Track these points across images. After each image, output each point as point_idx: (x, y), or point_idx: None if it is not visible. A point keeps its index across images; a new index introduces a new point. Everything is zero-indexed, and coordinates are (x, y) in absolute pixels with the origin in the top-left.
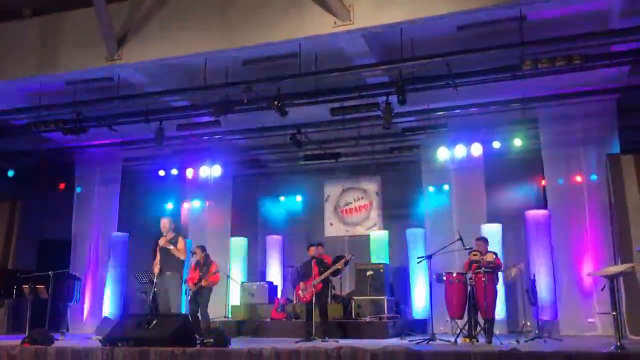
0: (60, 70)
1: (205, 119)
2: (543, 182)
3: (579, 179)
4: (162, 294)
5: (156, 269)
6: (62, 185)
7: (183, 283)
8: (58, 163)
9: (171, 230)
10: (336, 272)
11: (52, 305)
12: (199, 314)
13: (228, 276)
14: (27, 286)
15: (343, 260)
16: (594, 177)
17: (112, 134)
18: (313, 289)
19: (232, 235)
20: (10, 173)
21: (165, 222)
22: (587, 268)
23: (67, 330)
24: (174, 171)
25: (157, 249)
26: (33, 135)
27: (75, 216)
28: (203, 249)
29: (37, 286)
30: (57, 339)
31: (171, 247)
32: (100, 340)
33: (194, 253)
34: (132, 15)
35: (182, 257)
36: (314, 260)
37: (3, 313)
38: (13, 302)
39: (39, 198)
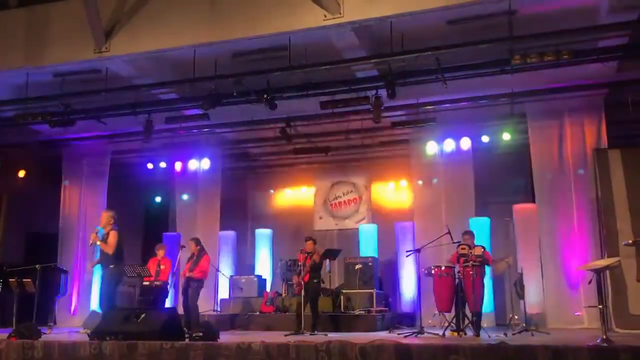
0: (47, 62)
1: (194, 111)
2: (531, 176)
3: (566, 173)
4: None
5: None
6: (49, 178)
7: (119, 276)
8: (45, 155)
9: (110, 224)
10: (317, 265)
11: (40, 298)
12: (189, 308)
13: (217, 270)
14: (14, 280)
15: (316, 254)
16: (581, 171)
17: (100, 126)
18: (302, 282)
19: (221, 228)
20: None
21: (103, 215)
22: (574, 262)
23: (55, 323)
24: (163, 164)
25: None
26: (20, 128)
27: (63, 209)
28: (197, 242)
29: (24, 280)
30: (44, 333)
31: (99, 242)
32: (88, 334)
33: (183, 247)
34: (120, 7)
35: (109, 252)
36: (307, 254)
37: None
38: None
39: (26, 191)
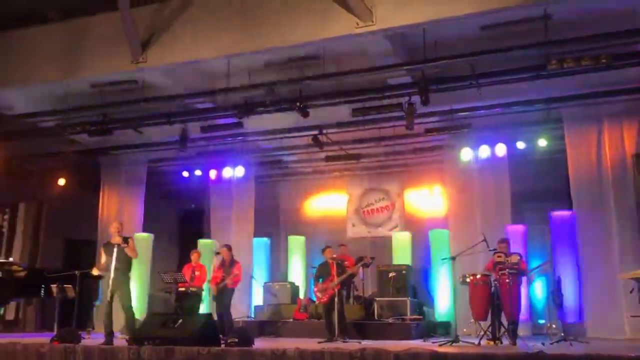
0: (86, 73)
1: (228, 120)
2: (568, 183)
3: (605, 179)
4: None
5: (101, 268)
6: (88, 186)
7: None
8: (84, 164)
9: (120, 233)
10: (352, 276)
11: (79, 303)
12: (222, 314)
13: (251, 276)
14: (55, 285)
15: (360, 264)
16: (620, 177)
17: (137, 135)
18: (331, 291)
19: (255, 235)
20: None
21: (117, 225)
22: (614, 270)
23: (93, 328)
24: (198, 172)
25: (103, 249)
26: (60, 137)
27: (101, 216)
28: (229, 248)
29: (66, 285)
30: (83, 338)
31: (125, 245)
32: (126, 339)
33: (217, 253)
34: (156, 19)
35: (133, 256)
36: (332, 261)
37: (32, 311)
38: (41, 301)
39: (65, 199)
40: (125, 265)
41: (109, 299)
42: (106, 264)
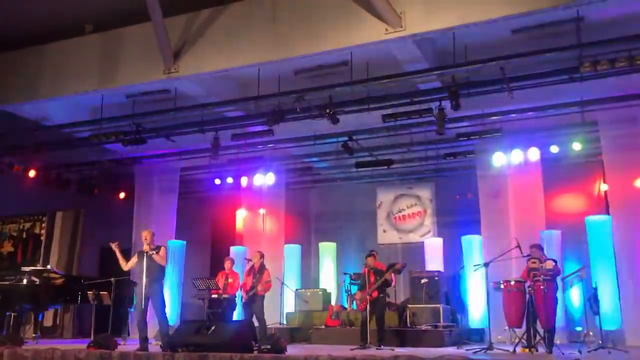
0: (119, 83)
1: (259, 128)
2: (604, 187)
3: None
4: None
5: (129, 266)
6: (122, 195)
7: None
8: (119, 173)
9: (152, 242)
10: (387, 282)
11: (114, 310)
12: (253, 320)
13: (282, 283)
14: (91, 292)
15: (391, 270)
16: None
17: (170, 144)
18: (368, 298)
19: (286, 242)
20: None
21: (146, 234)
22: None
23: (128, 334)
24: (229, 180)
25: (137, 255)
26: (95, 147)
27: (135, 224)
28: (262, 255)
29: (102, 292)
30: (119, 343)
31: (153, 252)
32: (160, 346)
33: (249, 260)
34: (187, 29)
35: (162, 264)
36: (367, 268)
37: (69, 318)
38: (78, 308)
39: (101, 207)
40: (156, 272)
41: (142, 305)
42: (138, 270)
